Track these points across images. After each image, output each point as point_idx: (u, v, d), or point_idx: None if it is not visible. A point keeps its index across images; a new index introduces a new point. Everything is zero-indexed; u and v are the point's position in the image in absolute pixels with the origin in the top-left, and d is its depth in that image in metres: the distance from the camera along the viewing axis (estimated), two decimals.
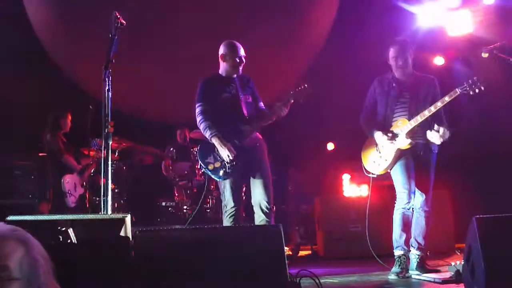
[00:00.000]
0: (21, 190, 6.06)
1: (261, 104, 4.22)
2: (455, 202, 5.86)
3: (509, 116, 6.57)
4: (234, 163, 3.85)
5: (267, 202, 3.93)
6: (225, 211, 3.95)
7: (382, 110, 4.26)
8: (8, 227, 1.43)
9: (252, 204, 3.98)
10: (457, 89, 3.87)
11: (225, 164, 3.86)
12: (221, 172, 3.88)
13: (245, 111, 3.99)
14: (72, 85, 7.94)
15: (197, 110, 4.03)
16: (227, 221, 3.92)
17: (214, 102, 4.02)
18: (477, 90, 3.80)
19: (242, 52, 4.13)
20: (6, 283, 1.33)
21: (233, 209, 3.90)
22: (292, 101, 3.99)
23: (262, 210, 3.91)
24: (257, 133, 4.11)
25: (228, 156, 3.84)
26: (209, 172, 3.93)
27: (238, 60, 4.08)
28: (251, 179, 3.97)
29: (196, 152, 4.13)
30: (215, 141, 3.89)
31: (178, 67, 7.57)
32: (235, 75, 4.15)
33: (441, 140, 3.97)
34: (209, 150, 3.95)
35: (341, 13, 7.91)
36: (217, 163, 3.88)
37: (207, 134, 3.93)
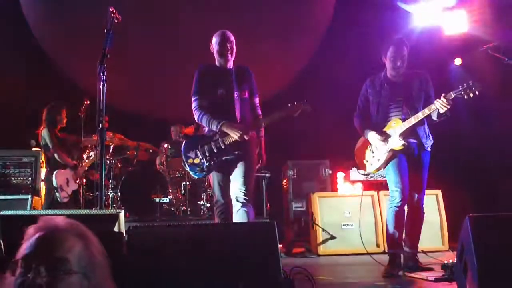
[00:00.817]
0: (15, 185, 6.03)
1: (257, 100, 4.13)
2: (448, 201, 5.89)
3: (502, 116, 6.60)
4: (212, 162, 3.86)
5: (243, 192, 3.82)
6: (216, 208, 3.95)
7: (374, 110, 4.27)
8: (68, 221, 1.45)
9: (230, 195, 3.92)
10: (451, 92, 3.86)
11: (203, 162, 3.87)
12: (197, 169, 3.89)
13: (237, 113, 3.91)
14: (67, 80, 7.92)
15: (194, 104, 3.97)
16: (218, 218, 3.92)
17: (209, 96, 3.95)
18: (471, 95, 3.80)
19: (229, 37, 4.01)
20: (65, 276, 1.35)
21: (223, 206, 3.89)
22: (284, 114, 3.93)
23: (237, 199, 3.83)
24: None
25: (241, 138, 3.80)
26: (188, 167, 3.96)
27: (221, 44, 3.95)
28: (232, 174, 3.91)
29: (182, 145, 4.06)
30: (225, 129, 3.82)
31: (174, 64, 7.55)
32: (231, 67, 4.04)
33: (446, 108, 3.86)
34: (193, 146, 3.94)
35: (337, 13, 7.93)
36: (196, 159, 3.88)
37: (214, 125, 3.86)
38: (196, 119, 4.00)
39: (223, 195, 3.89)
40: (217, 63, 4.06)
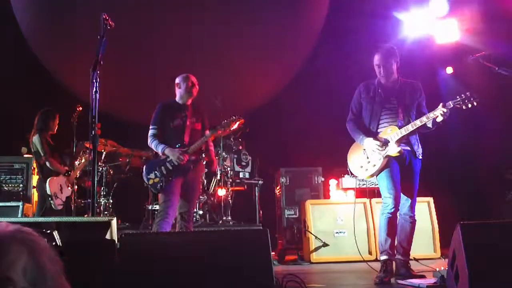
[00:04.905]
0: (5, 192, 5.99)
1: (207, 132, 4.79)
2: (440, 208, 5.91)
3: (493, 124, 6.66)
4: (170, 178, 4.55)
5: (187, 211, 4.62)
6: (160, 217, 4.47)
7: (367, 116, 4.28)
8: (12, 228, 1.33)
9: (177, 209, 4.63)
10: (450, 102, 3.91)
11: (162, 179, 4.58)
12: (158, 186, 4.59)
13: (186, 138, 4.66)
14: (59, 86, 7.89)
15: (150, 132, 4.70)
16: (157, 226, 4.46)
17: (166, 127, 4.68)
18: (469, 105, 3.85)
19: (194, 79, 4.77)
20: None
21: (168, 216, 4.46)
22: (219, 132, 4.77)
23: (182, 216, 4.59)
24: (200, 160, 4.77)
25: (179, 158, 4.53)
26: (149, 186, 4.67)
27: (190, 84, 4.72)
28: (183, 191, 4.59)
29: (143, 169, 4.78)
30: (168, 152, 4.57)
31: (166, 69, 7.55)
32: (189, 102, 4.77)
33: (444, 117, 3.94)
34: (152, 168, 4.64)
35: (329, 21, 7.98)
36: (156, 179, 4.60)
37: (160, 149, 4.62)
38: (148, 143, 4.73)
39: (170, 210, 4.49)
40: (178, 99, 4.79)
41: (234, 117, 4.72)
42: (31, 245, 1.32)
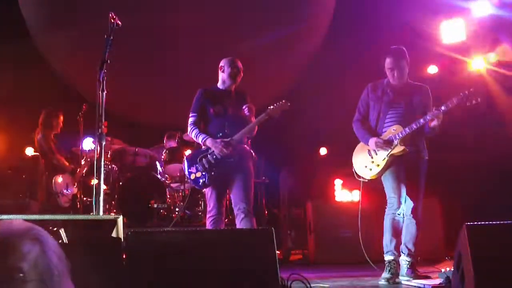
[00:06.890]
0: (12, 189, 6.02)
1: (253, 119, 4.38)
2: (446, 209, 5.89)
3: (499, 125, 6.63)
4: (213, 173, 4.14)
5: (245, 203, 4.10)
6: (209, 217, 4.19)
7: (374, 115, 4.28)
8: (25, 225, 1.42)
9: (233, 207, 4.22)
10: (453, 99, 3.91)
11: (204, 174, 4.16)
12: (200, 182, 4.18)
13: (228, 126, 4.24)
14: (65, 85, 7.92)
15: (190, 120, 4.32)
16: (210, 226, 4.16)
17: (206, 114, 4.31)
18: (473, 102, 3.85)
19: (240, 64, 4.38)
20: (20, 285, 1.31)
21: (217, 216, 4.15)
22: (267, 117, 4.23)
23: (241, 210, 4.11)
24: (244, 145, 4.31)
25: (222, 152, 4.11)
26: (191, 181, 4.31)
27: (236, 70, 4.34)
28: (232, 183, 4.18)
29: (184, 160, 4.44)
30: (208, 143, 4.17)
31: (173, 69, 7.58)
32: (232, 88, 4.39)
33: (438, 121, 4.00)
34: (193, 161, 4.24)
35: (336, 19, 7.97)
36: (198, 173, 4.19)
37: (200, 139, 4.23)
38: (188, 132, 4.38)
39: (219, 206, 4.16)
40: (220, 84, 4.41)
41: (279, 103, 4.25)
42: (42, 242, 1.40)
